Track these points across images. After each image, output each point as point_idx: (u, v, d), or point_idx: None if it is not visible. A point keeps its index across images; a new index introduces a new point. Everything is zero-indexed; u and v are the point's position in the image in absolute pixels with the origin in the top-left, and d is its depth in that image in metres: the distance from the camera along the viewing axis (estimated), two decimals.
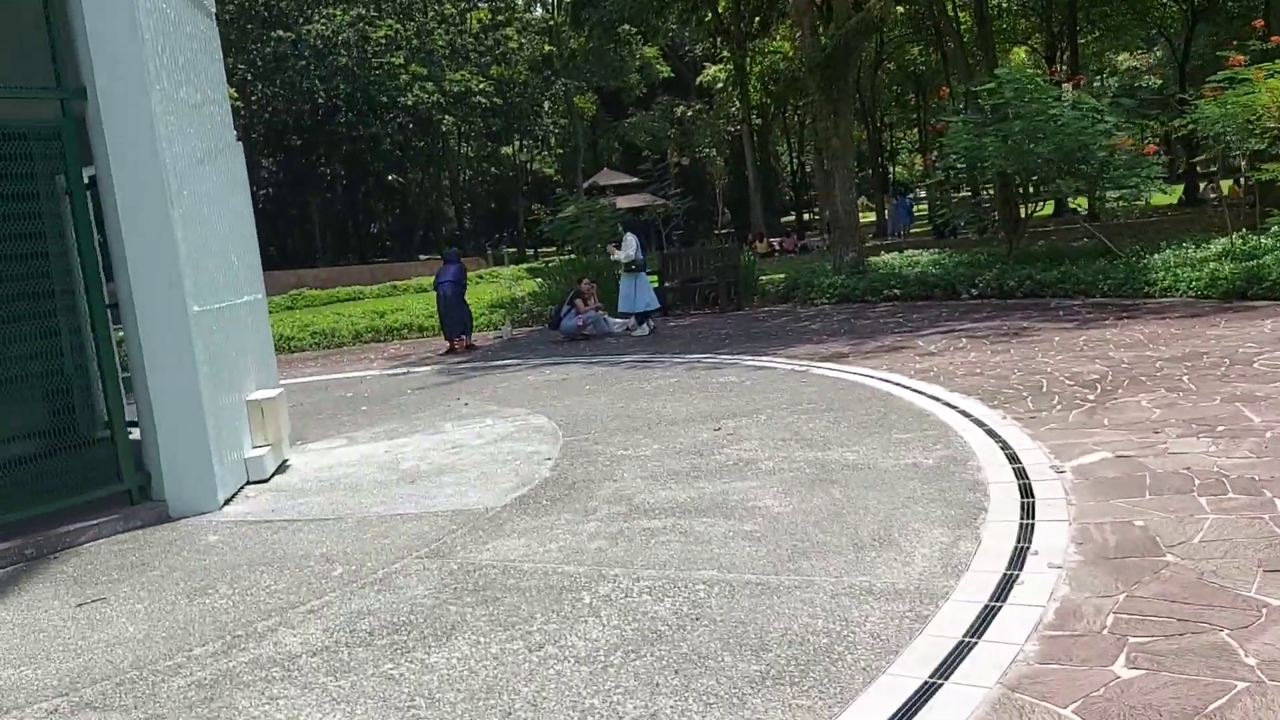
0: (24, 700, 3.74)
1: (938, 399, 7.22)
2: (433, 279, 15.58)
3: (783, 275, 17.05)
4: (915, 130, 48.48)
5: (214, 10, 7.86)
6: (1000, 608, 3.64)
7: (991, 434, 6.08)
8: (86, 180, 6.35)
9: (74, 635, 4.37)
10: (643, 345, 12.51)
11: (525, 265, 31.94)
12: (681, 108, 41.90)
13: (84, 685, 3.82)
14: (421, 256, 43.27)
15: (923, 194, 46.89)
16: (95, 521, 5.95)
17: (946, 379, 7.95)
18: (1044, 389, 7.19)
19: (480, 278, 30.07)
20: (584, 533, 5.04)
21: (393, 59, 36.35)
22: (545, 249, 45.90)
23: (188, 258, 6.32)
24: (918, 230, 32.96)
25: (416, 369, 12.84)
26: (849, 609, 3.75)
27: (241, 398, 7.12)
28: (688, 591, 4.10)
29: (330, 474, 7.06)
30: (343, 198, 41.63)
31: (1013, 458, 5.54)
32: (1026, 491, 4.94)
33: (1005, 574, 3.94)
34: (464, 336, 14.12)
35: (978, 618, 3.57)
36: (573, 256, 19.10)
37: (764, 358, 10.16)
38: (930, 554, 4.24)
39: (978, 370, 8.19)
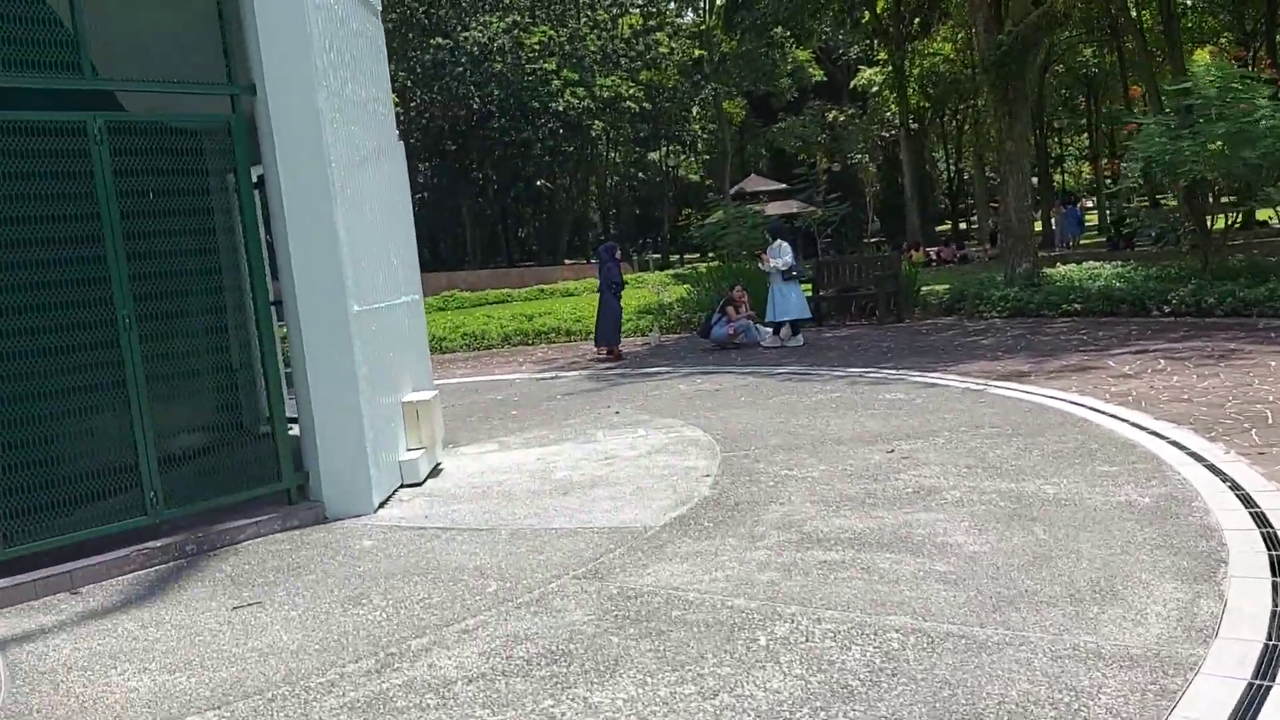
0: (177, 711, 3.61)
1: (1143, 427, 6.49)
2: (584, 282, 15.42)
3: (946, 286, 16.19)
4: (1084, 136, 46.04)
5: (379, 8, 7.84)
6: (1270, 689, 3.05)
7: (1215, 471, 5.36)
8: (254, 179, 6.36)
9: (229, 641, 4.25)
10: (798, 356, 12.00)
11: (670, 271, 31.73)
12: (834, 112, 40.96)
13: (236, 699, 3.66)
14: (567, 261, 43.69)
15: (1089, 203, 44.52)
16: (254, 520, 5.92)
17: (1149, 405, 7.17)
18: (1270, 420, 6.37)
19: (626, 283, 30.06)
20: (752, 562, 4.63)
21: (545, 64, 36.76)
22: (690, 255, 45.67)
23: (349, 257, 6.24)
24: (1086, 241, 31.15)
25: (565, 374, 12.70)
26: (1075, 675, 3.22)
27: (398, 399, 7.02)
28: (878, 640, 3.64)
29: (482, 480, 6.88)
30: (493, 202, 42.44)
31: (1246, 500, 4.84)
32: (1272, 542, 4.26)
33: (1267, 644, 3.33)
34: (610, 344, 13.77)
35: (1244, 699, 2.99)
36: (717, 263, 18.67)
37: (933, 374, 9.52)
38: (1166, 613, 3.65)
39: (1184, 396, 7.37)
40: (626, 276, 31.34)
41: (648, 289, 21.40)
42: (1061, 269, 15.19)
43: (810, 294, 15.11)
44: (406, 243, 7.92)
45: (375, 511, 6.20)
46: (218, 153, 6.11)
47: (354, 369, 6.17)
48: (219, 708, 3.60)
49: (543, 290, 28.41)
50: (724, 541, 4.98)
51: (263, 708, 3.57)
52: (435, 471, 7.21)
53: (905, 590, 4.10)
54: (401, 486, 6.78)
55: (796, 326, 13.20)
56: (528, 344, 17.32)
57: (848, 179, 41.81)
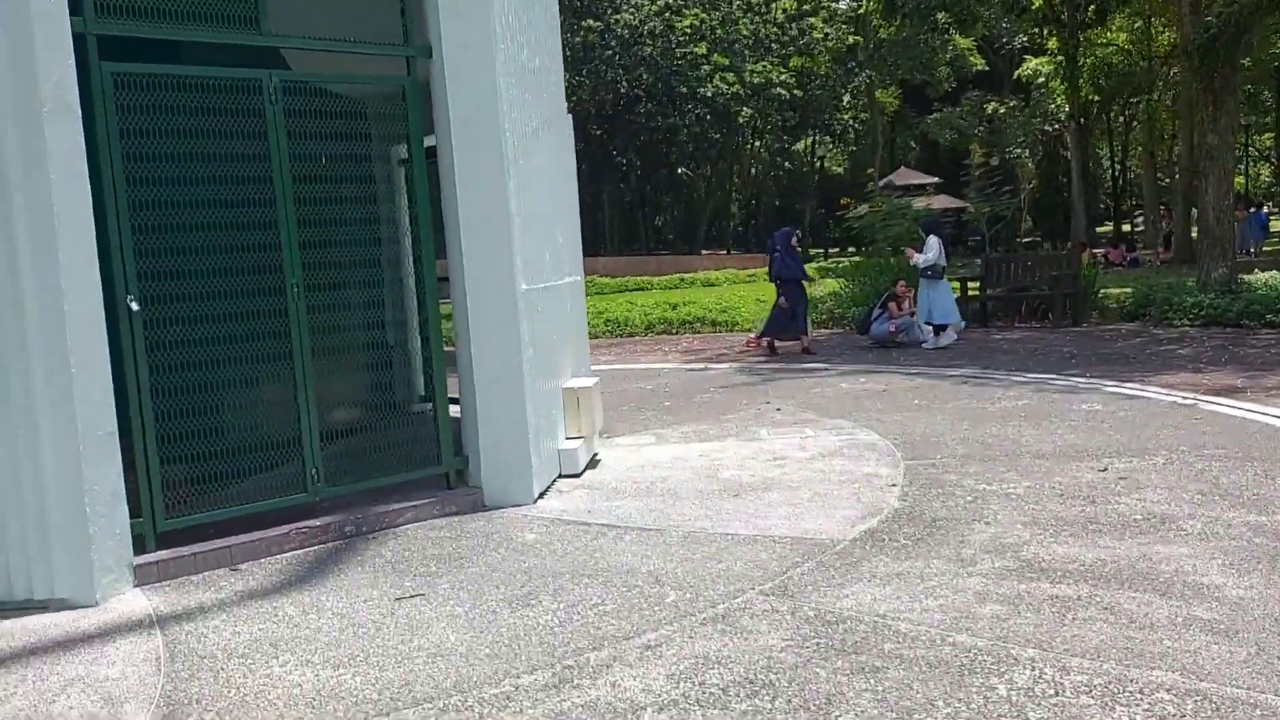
0: (343, 714, 3.30)
1: None
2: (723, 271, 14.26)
3: (1126, 289, 15.00)
4: (1266, 136, 42.76)
5: None
6: None
7: None
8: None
9: (393, 637, 3.95)
10: (968, 359, 11.21)
11: (813, 265, 30.90)
12: (993, 104, 39.09)
13: (405, 705, 3.34)
14: (704, 251, 43.17)
15: (1267, 207, 41.30)
16: (413, 503, 5.67)
17: None
18: None
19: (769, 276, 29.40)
20: (968, 590, 4.06)
21: (696, 49, 36.22)
22: (832, 249, 44.45)
23: (520, 233, 5.92)
24: (1269, 248, 28.79)
25: (715, 365, 12.24)
26: None
27: (558, 384, 6.69)
28: (1146, 700, 3.05)
29: (643, 475, 6.48)
30: (634, 189, 42.26)
31: None
32: None
33: None
34: (762, 338, 13.05)
35: None
36: (858, 259, 17.80)
37: (1130, 384, 8.64)
38: None
39: None
40: (766, 270, 30.60)
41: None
42: (1261, 275, 13.83)
43: (977, 292, 14.23)
44: (570, 220, 7.59)
45: (535, 502, 5.87)
46: (388, 119, 5.86)
47: (520, 350, 5.85)
48: (387, 715, 3.28)
49: (683, 279, 28.02)
50: (928, 563, 4.42)
51: (434, 719, 3.23)
52: (593, 463, 6.86)
53: (1165, 640, 3.47)
54: (560, 477, 6.44)
55: (940, 327, 12.42)
56: (671, 333, 16.94)
57: (1007, 175, 39.89)
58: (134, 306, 4.84)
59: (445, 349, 6.22)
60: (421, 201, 5.83)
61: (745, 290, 22.73)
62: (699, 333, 16.71)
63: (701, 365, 12.35)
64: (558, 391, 6.65)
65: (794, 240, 12.81)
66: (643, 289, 27.13)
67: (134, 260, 4.86)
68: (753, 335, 14.56)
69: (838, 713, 3.09)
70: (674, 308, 18.17)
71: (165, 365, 4.96)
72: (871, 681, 3.29)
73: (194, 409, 5.05)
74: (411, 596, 4.41)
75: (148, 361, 4.90)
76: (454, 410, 6.08)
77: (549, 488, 6.18)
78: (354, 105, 5.70)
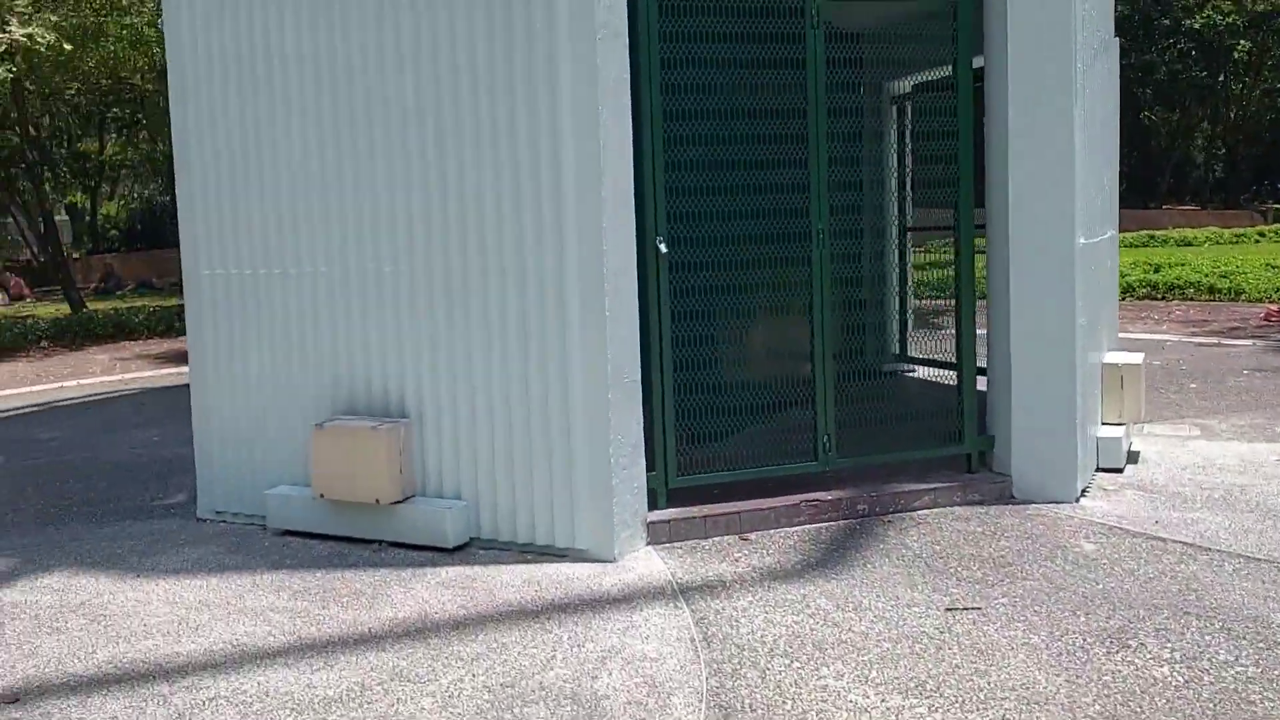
0: None
1: None
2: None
3: None
4: None
5: None
6: None
7: None
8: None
9: (961, 663, 3.23)
10: None
11: None
12: None
13: None
14: (1164, 206, 37.90)
15: None
16: (931, 486, 4.92)
17: None
18: None
19: (1261, 235, 25.06)
20: None
21: None
22: None
23: (1081, 174, 4.88)
24: None
25: (1231, 341, 10.23)
26: None
27: (1099, 358, 5.59)
28: None
29: (1208, 479, 5.22)
30: None
31: None
32: None
33: None
34: None
35: None
36: None
37: None
38: None
39: None
40: (1260, 228, 25.95)
41: None
42: None
43: None
44: (1113, 163, 6.35)
45: (1076, 500, 4.88)
46: (911, 41, 5.07)
47: (1073, 316, 4.85)
48: None
49: (1152, 237, 24.64)
50: None
51: None
52: (1131, 457, 5.69)
53: None
54: (1098, 471, 5.37)
55: None
56: (1156, 298, 14.70)
57: None
58: (662, 249, 4.52)
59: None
60: (965, 136, 4.97)
61: (1235, 253, 19.35)
62: (1191, 300, 14.33)
63: (1213, 340, 10.39)
64: (1098, 367, 5.55)
65: None
66: None
67: (665, 199, 4.52)
68: (1274, 306, 12.17)
69: None
70: (1156, 270, 15.78)
71: (686, 313, 4.61)
72: None
73: (709, 360, 4.69)
74: (965, 609, 3.67)
75: (670, 308, 4.58)
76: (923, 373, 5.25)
77: (1089, 484, 5.15)
78: (855, 31, 5.00)
